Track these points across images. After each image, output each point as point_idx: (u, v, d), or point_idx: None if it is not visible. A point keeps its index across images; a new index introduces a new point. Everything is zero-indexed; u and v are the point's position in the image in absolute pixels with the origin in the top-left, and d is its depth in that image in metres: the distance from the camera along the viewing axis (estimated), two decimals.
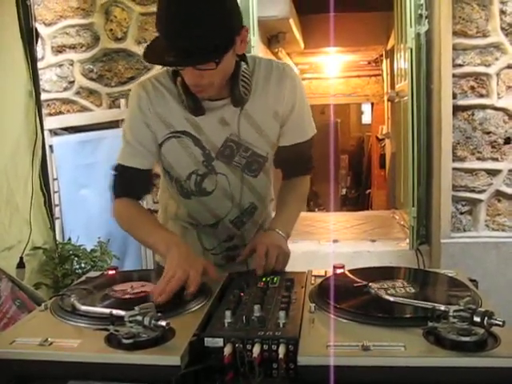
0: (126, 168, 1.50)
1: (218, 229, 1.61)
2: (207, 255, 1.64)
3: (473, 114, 3.33)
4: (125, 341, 0.96)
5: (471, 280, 1.29)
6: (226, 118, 1.46)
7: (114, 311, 1.03)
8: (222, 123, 1.47)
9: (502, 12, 3.23)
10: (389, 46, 6.57)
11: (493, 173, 3.37)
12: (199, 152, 1.49)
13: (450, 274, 1.31)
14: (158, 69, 3.52)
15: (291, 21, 5.54)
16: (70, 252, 3.03)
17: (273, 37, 6.27)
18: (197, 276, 1.22)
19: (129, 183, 1.51)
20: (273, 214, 1.71)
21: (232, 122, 1.47)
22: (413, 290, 1.16)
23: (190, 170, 1.52)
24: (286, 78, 1.50)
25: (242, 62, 1.41)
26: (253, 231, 1.64)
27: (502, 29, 3.24)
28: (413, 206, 3.57)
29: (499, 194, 3.39)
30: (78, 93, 3.71)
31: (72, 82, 3.71)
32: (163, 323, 0.97)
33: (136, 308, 1.00)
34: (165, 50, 1.24)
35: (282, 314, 1.03)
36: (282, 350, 0.94)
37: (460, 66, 3.29)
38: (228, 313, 1.04)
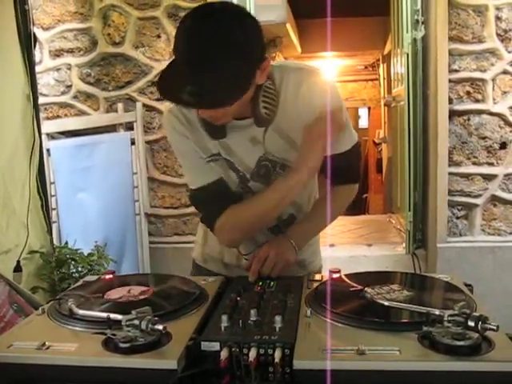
0: (205, 188, 1.44)
1: (255, 238, 1.55)
2: (241, 260, 1.59)
3: (469, 119, 3.35)
4: (122, 345, 0.97)
5: (466, 285, 1.30)
6: (255, 135, 1.40)
7: (111, 315, 1.03)
8: (253, 142, 1.41)
9: (498, 18, 3.25)
10: (385, 51, 6.59)
11: (488, 178, 3.39)
12: (234, 175, 1.45)
13: (445, 279, 1.31)
14: (157, 71, 3.55)
15: (288, 25, 5.55)
16: (67, 256, 3.03)
17: (270, 41, 6.27)
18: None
19: (218, 198, 1.44)
20: None
21: (264, 140, 1.40)
22: (408, 295, 1.16)
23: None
24: (318, 86, 1.41)
25: (266, 81, 1.33)
26: None
27: (498, 35, 3.26)
28: (409, 210, 3.58)
29: (495, 199, 3.40)
30: (75, 97, 3.72)
31: (69, 86, 3.72)
32: (160, 327, 0.98)
33: (133, 312, 1.00)
34: (177, 84, 1.17)
35: (278, 318, 1.03)
36: (278, 354, 0.95)
37: (456, 71, 3.31)
38: (224, 317, 1.05)
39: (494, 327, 0.93)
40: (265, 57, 1.27)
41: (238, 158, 1.43)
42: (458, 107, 3.34)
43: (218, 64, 1.16)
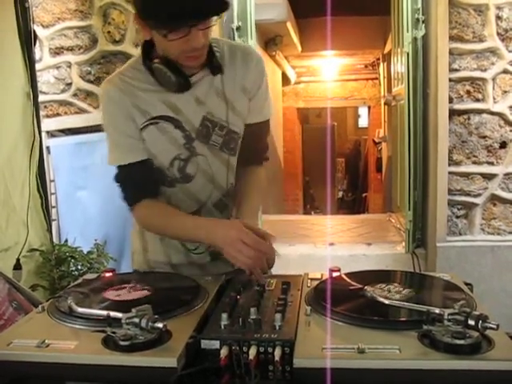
0: (126, 168, 1.47)
1: (200, 216, 1.56)
2: (190, 256, 1.59)
3: (469, 119, 3.35)
4: (122, 343, 0.97)
5: (466, 284, 1.30)
6: (200, 96, 1.46)
7: (111, 313, 1.04)
8: (197, 102, 1.47)
9: (498, 17, 3.25)
10: (386, 50, 6.59)
11: (488, 177, 3.39)
12: (179, 134, 1.47)
13: (445, 278, 1.31)
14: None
15: (289, 24, 5.56)
16: (67, 254, 3.03)
17: (270, 40, 6.28)
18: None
19: (141, 182, 1.48)
20: None
21: (206, 100, 1.47)
22: (408, 294, 1.16)
23: (172, 155, 1.49)
24: (252, 56, 1.52)
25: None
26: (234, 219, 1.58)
27: (498, 34, 3.26)
28: (409, 209, 3.58)
29: (495, 198, 3.40)
30: (75, 95, 3.72)
31: (69, 84, 3.71)
32: (160, 325, 0.98)
33: (133, 310, 1.00)
34: (170, 4, 1.24)
35: (278, 316, 1.03)
36: (277, 353, 0.95)
37: (456, 70, 3.31)
38: (224, 315, 1.05)
39: (494, 326, 0.93)
40: None
41: (185, 117, 1.47)
42: (458, 106, 3.34)
43: None
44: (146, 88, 1.45)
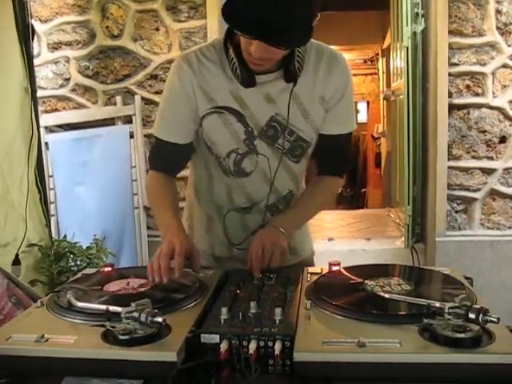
0: (162, 142, 1.48)
1: (250, 214, 1.54)
2: (233, 251, 1.59)
3: (468, 113, 3.35)
4: (121, 337, 0.96)
5: (466, 278, 1.30)
6: (272, 94, 1.41)
7: (111, 307, 1.03)
8: (268, 100, 1.42)
9: (498, 11, 3.24)
10: (385, 45, 6.57)
11: (488, 172, 3.38)
12: (242, 129, 1.44)
13: (445, 272, 1.31)
14: (156, 64, 3.53)
15: None
16: (66, 249, 3.03)
17: None
18: (181, 253, 1.26)
19: (165, 158, 1.50)
20: None
21: (278, 101, 1.42)
22: (408, 287, 1.16)
23: (230, 147, 1.47)
24: (338, 64, 1.47)
25: None
26: None
27: (498, 28, 3.25)
28: (408, 204, 3.58)
29: (494, 193, 3.40)
30: (73, 90, 3.71)
31: (68, 79, 3.70)
32: (159, 319, 0.97)
33: (132, 304, 1.00)
34: (255, 21, 1.16)
35: (278, 310, 1.03)
36: (278, 347, 0.95)
37: (456, 64, 3.30)
38: (224, 309, 1.04)
39: (495, 319, 0.93)
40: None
41: (250, 113, 1.43)
42: (458, 101, 3.33)
43: (296, 2, 1.18)
44: (218, 73, 1.42)
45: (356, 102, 11.62)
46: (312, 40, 1.42)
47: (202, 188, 1.59)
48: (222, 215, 1.58)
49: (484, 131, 3.35)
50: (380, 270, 1.30)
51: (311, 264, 1.66)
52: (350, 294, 1.16)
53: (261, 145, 1.46)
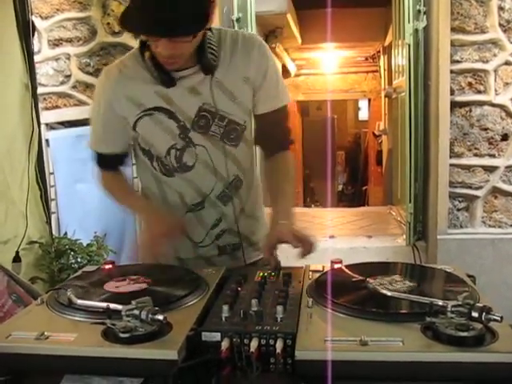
0: (99, 154, 1.59)
1: (204, 209, 1.57)
2: (197, 250, 1.61)
3: (470, 111, 3.34)
4: (122, 335, 0.96)
5: (469, 276, 1.29)
6: (195, 86, 1.46)
7: (111, 305, 1.03)
8: (193, 92, 1.47)
9: (501, 8, 3.23)
10: (386, 42, 6.56)
11: (490, 169, 3.37)
12: (174, 124, 1.49)
13: (447, 270, 1.30)
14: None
15: (289, 16, 5.52)
16: (67, 246, 3.03)
17: (270, 32, 6.25)
18: (175, 225, 1.43)
19: (107, 165, 1.61)
20: (263, 205, 1.71)
21: (203, 91, 1.47)
22: (411, 285, 1.15)
23: (168, 144, 1.51)
24: (254, 44, 1.51)
25: (207, 31, 1.42)
26: (239, 212, 1.60)
27: (500, 25, 3.24)
28: (409, 202, 3.58)
29: (496, 191, 3.40)
30: (74, 87, 3.70)
31: (68, 76, 3.69)
32: (160, 317, 0.97)
33: (133, 302, 1.00)
34: (145, 20, 1.26)
35: (279, 308, 1.03)
36: (279, 345, 0.94)
37: (458, 62, 3.29)
38: (225, 307, 1.04)
39: (498, 318, 0.92)
40: None
41: (178, 108, 1.48)
42: (460, 98, 3.32)
43: None
44: (141, 78, 1.47)
45: (357, 100, 11.62)
46: (227, 29, 1.57)
47: (154, 197, 1.63)
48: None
49: (486, 129, 3.34)
50: (382, 268, 1.30)
51: None
52: (352, 291, 1.15)
53: (196, 136, 1.51)
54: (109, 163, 1.61)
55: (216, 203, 1.58)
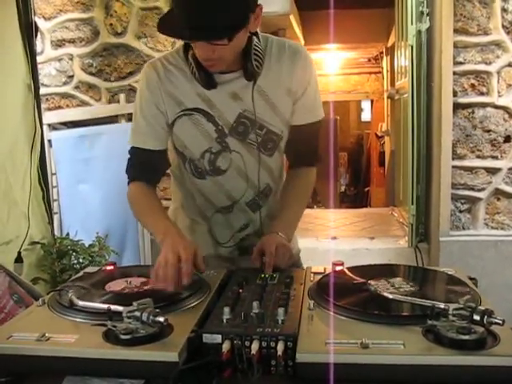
0: (139, 150, 1.50)
1: (232, 213, 1.58)
2: (219, 249, 1.62)
3: (473, 112, 3.33)
4: (123, 336, 0.96)
5: (471, 278, 1.29)
6: (237, 92, 1.45)
7: (112, 307, 1.03)
8: (234, 97, 1.46)
9: (504, 10, 3.22)
10: (389, 44, 6.56)
11: (492, 171, 3.37)
12: (212, 128, 1.48)
13: (449, 272, 1.30)
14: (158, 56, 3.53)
15: (292, 17, 5.52)
16: (68, 247, 3.03)
17: (273, 33, 6.24)
18: (188, 261, 1.22)
19: (143, 166, 1.51)
20: None
21: (244, 97, 1.45)
22: (412, 288, 1.15)
23: (203, 148, 1.50)
24: (300, 56, 1.49)
25: (254, 37, 1.40)
26: (266, 219, 1.60)
27: (504, 27, 3.23)
28: (412, 203, 3.57)
29: (498, 193, 3.39)
30: (77, 87, 3.70)
31: (71, 77, 3.70)
32: (161, 319, 0.97)
33: (134, 303, 1.00)
34: (179, 24, 1.24)
35: (280, 310, 1.03)
36: (280, 347, 0.94)
37: (461, 63, 3.28)
38: (226, 309, 1.04)
39: (500, 321, 0.92)
40: (258, 3, 1.33)
41: (219, 112, 1.47)
42: (463, 100, 3.32)
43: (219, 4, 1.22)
44: (184, 77, 1.46)
45: (360, 101, 11.60)
46: (273, 37, 1.53)
47: (181, 199, 1.63)
48: (206, 218, 1.62)
49: (489, 130, 3.33)
50: (384, 270, 1.30)
51: (297, 264, 1.65)
52: (354, 294, 1.15)
53: (233, 142, 1.50)
54: (145, 167, 1.51)
55: (245, 209, 1.59)
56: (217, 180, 1.54)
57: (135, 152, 1.51)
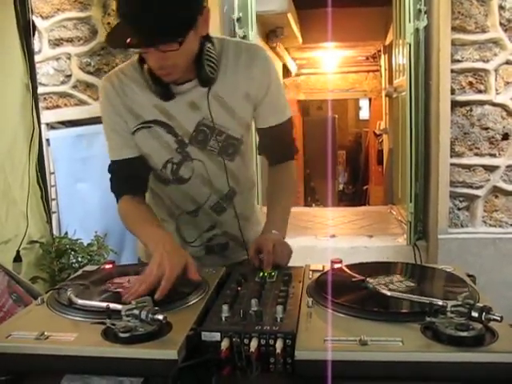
0: (118, 163, 1.50)
1: (198, 216, 1.59)
2: (186, 248, 1.60)
3: (471, 110, 3.33)
4: (122, 334, 0.96)
5: (469, 275, 1.29)
6: (195, 101, 1.44)
7: (111, 305, 1.03)
8: (192, 107, 1.45)
9: (501, 7, 3.22)
10: (387, 42, 6.56)
11: (490, 169, 3.37)
12: (172, 139, 1.48)
13: (447, 270, 1.30)
14: None
15: (289, 15, 5.52)
16: (67, 246, 3.03)
17: (271, 31, 6.24)
18: (170, 279, 1.18)
19: (126, 178, 1.50)
20: (255, 203, 1.73)
21: (202, 106, 1.44)
22: (411, 285, 1.15)
23: (164, 158, 1.50)
24: (257, 58, 1.47)
25: (207, 42, 1.38)
26: (233, 219, 1.60)
27: (501, 24, 3.23)
28: (410, 201, 3.58)
29: (496, 190, 3.39)
30: (75, 86, 3.70)
31: (69, 76, 3.69)
32: (160, 317, 0.97)
33: (133, 302, 1.00)
34: (127, 34, 1.22)
35: (279, 308, 1.03)
36: (279, 345, 0.94)
37: (458, 61, 3.29)
38: (225, 307, 1.04)
39: (498, 318, 0.92)
40: (205, 5, 1.31)
41: (177, 122, 1.46)
42: (461, 98, 3.32)
43: (158, 3, 1.19)
44: (140, 89, 1.44)
45: (358, 99, 11.62)
46: (229, 38, 1.51)
47: (149, 199, 1.62)
48: (174, 217, 1.62)
49: (487, 128, 3.34)
50: (382, 268, 1.30)
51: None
52: (352, 291, 1.15)
53: (193, 150, 1.50)
54: (128, 178, 1.49)
55: (210, 213, 1.59)
56: (180, 187, 1.54)
57: (115, 167, 1.51)
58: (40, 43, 3.63)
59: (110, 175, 1.53)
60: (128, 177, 1.50)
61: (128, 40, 1.21)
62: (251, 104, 1.51)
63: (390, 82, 5.82)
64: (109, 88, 1.47)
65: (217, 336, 0.97)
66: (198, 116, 1.46)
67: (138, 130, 1.47)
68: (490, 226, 3.43)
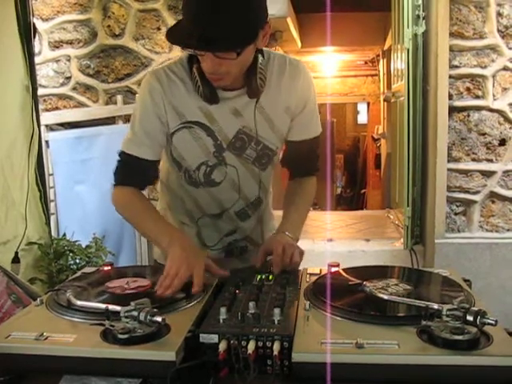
0: (129, 156, 1.48)
1: (221, 219, 1.60)
2: (206, 252, 1.62)
3: (468, 116, 3.35)
4: (120, 336, 0.97)
5: (465, 280, 1.30)
6: (238, 108, 1.46)
7: (110, 306, 1.04)
8: (235, 114, 1.47)
9: (499, 14, 3.24)
10: (386, 47, 6.57)
11: (487, 174, 3.38)
12: (211, 142, 1.49)
13: (443, 274, 1.31)
14: (157, 63, 3.54)
15: (289, 19, 5.53)
16: (65, 248, 3.03)
17: (270, 35, 6.26)
18: (201, 274, 1.24)
19: (135, 173, 1.49)
20: (270, 203, 1.73)
21: (245, 114, 1.46)
22: (407, 289, 1.16)
23: (200, 160, 1.51)
24: (300, 74, 1.51)
25: (259, 55, 1.41)
26: (254, 225, 1.64)
27: (499, 31, 3.25)
28: (407, 205, 3.58)
29: (493, 196, 3.40)
30: (74, 88, 3.71)
31: (69, 78, 3.70)
32: (159, 319, 0.98)
33: (132, 303, 1.01)
34: (188, 34, 1.24)
35: (276, 311, 1.04)
36: (276, 347, 0.95)
37: (456, 67, 3.30)
38: (223, 309, 1.05)
39: (493, 322, 0.93)
40: (267, 20, 1.35)
41: (219, 127, 1.48)
42: (458, 103, 3.33)
43: (230, 8, 1.23)
44: (186, 89, 1.45)
45: (356, 103, 11.63)
46: (274, 52, 1.53)
47: (168, 202, 1.64)
48: (194, 220, 1.63)
49: (484, 134, 3.35)
50: (379, 272, 1.31)
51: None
52: (349, 295, 1.16)
53: (229, 156, 1.51)
54: (137, 175, 1.49)
55: (234, 218, 1.61)
56: (209, 190, 1.56)
57: (128, 159, 1.48)
58: (40, 45, 3.64)
59: (118, 160, 1.50)
60: (138, 173, 1.49)
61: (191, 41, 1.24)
62: (290, 117, 1.54)
63: (389, 86, 5.83)
64: (155, 85, 1.45)
65: (215, 338, 0.98)
66: (240, 123, 1.48)
67: (179, 129, 1.47)
68: (487, 231, 3.44)
